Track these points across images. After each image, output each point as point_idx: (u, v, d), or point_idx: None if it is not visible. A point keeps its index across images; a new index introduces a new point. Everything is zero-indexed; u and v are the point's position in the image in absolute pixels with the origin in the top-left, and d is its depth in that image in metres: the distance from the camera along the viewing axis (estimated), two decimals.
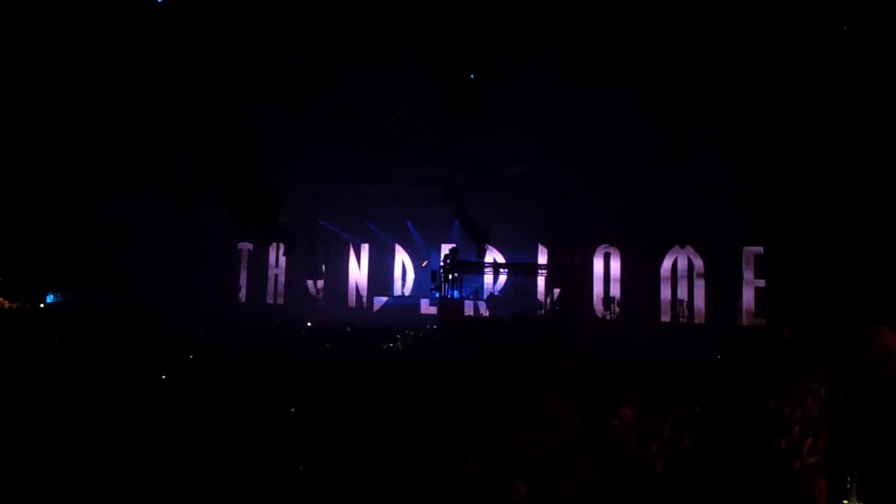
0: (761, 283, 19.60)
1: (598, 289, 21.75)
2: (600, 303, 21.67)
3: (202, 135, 15.48)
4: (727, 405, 8.16)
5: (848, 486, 6.46)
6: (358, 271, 23.52)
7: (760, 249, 19.51)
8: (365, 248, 23.63)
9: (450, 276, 19.91)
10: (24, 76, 14.70)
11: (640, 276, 21.26)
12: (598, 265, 21.84)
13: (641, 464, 6.74)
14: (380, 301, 23.39)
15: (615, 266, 21.71)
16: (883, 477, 6.42)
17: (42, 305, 21.47)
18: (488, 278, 22.59)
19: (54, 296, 22.07)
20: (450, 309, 19.52)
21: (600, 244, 21.87)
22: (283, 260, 23.63)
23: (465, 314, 20.61)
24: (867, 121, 13.36)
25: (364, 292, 23.48)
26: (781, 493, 6.29)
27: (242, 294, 23.78)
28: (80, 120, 16.14)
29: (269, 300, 23.75)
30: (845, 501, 6.41)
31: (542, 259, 22.34)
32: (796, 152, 14.68)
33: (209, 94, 14.88)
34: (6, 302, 20.53)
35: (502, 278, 22.69)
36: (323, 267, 23.75)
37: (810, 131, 14.24)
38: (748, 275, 20.06)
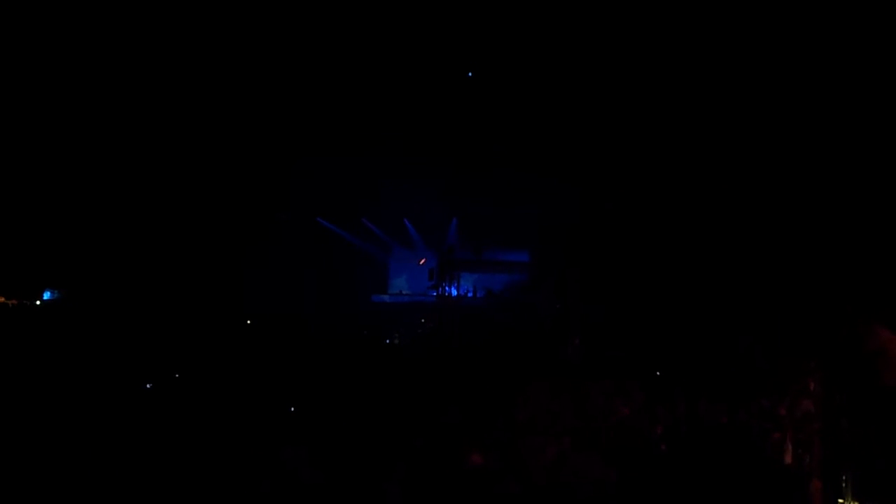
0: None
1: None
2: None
3: None
4: (723, 405, 8.20)
5: (844, 485, 6.48)
6: (355, 270, 23.69)
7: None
8: (363, 246, 23.80)
9: (447, 275, 19.89)
10: (18, 72, 14.65)
11: None
12: None
13: (638, 461, 6.77)
14: (379, 299, 23.56)
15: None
16: (878, 476, 6.44)
17: (38, 303, 21.35)
18: (485, 276, 22.62)
19: (52, 292, 21.94)
20: (447, 307, 19.48)
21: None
22: None
23: (462, 312, 20.61)
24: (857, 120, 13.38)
25: (362, 290, 23.68)
26: (776, 492, 6.32)
27: None
28: (75, 112, 16.10)
29: None
30: (841, 500, 6.43)
31: (539, 258, 22.49)
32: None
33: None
34: (2, 298, 20.41)
35: (500, 276, 22.75)
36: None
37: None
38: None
